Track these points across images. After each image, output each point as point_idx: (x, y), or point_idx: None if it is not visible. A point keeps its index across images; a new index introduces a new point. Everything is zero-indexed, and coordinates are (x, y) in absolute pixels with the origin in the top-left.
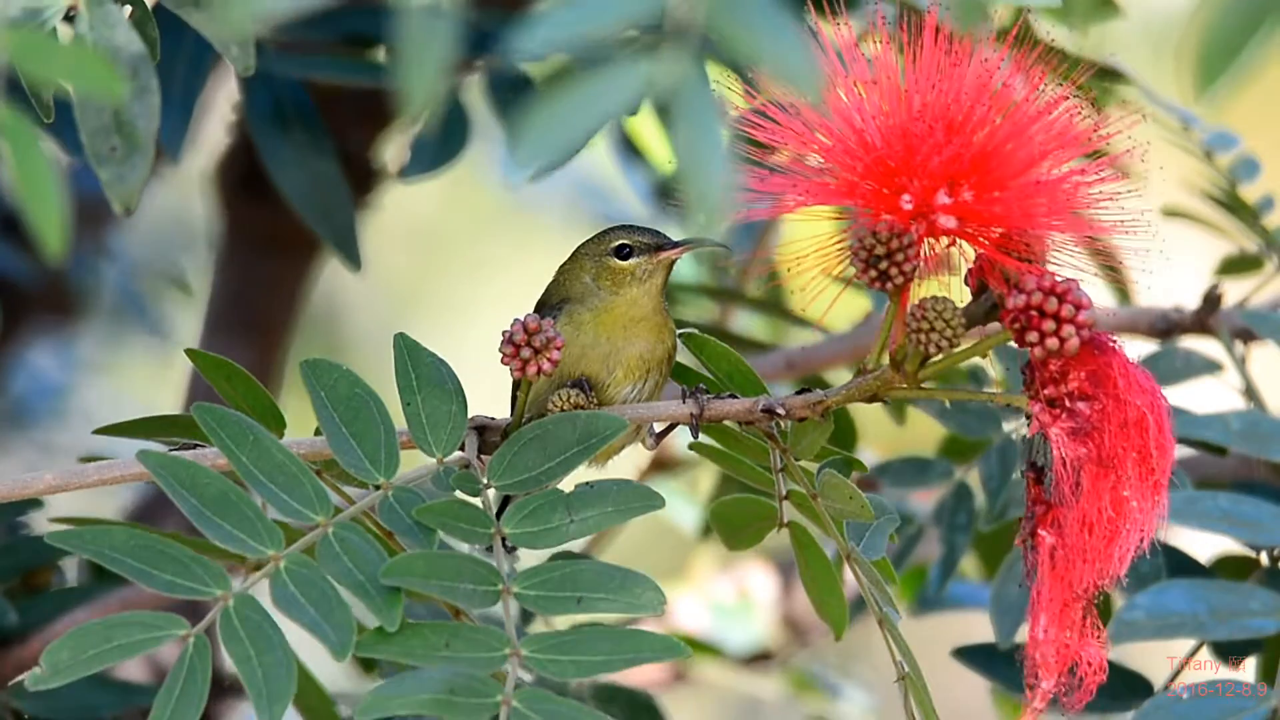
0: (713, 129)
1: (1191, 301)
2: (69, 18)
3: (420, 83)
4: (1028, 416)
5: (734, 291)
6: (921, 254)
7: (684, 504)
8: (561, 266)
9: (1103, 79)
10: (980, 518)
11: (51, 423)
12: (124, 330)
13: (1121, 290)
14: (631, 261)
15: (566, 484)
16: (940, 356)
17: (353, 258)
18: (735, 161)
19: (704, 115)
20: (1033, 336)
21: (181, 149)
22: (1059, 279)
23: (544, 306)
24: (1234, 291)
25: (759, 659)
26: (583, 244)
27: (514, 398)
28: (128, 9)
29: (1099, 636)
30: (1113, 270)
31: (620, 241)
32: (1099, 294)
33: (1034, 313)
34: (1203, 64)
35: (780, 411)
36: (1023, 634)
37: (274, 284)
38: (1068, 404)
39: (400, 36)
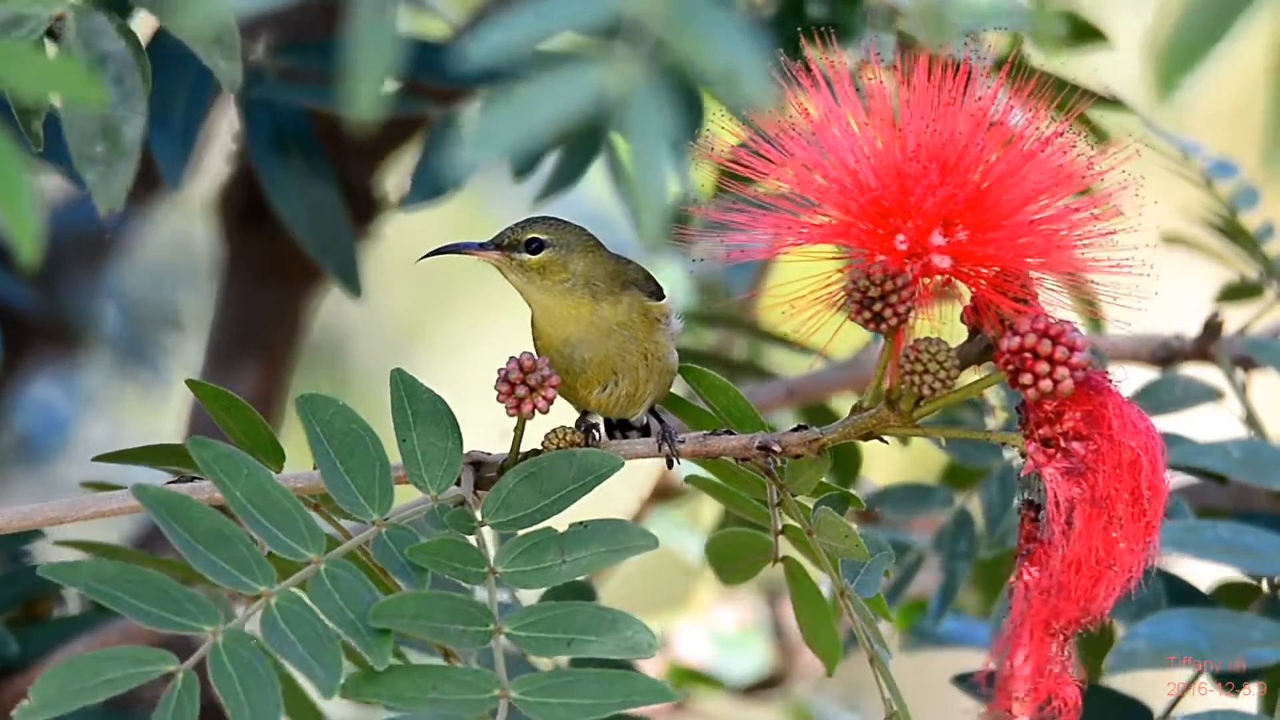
0: (658, 135)
1: (1192, 329)
2: (54, 31)
3: (367, 83)
4: (1023, 455)
5: (733, 319)
6: (916, 295)
7: (686, 534)
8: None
9: (1101, 107)
10: (981, 545)
11: (56, 456)
12: (127, 362)
13: (1096, 323)
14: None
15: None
16: (934, 397)
17: (353, 286)
18: (684, 168)
19: (652, 122)
20: (1026, 379)
21: (182, 178)
22: (1053, 320)
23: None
24: (1234, 319)
25: (762, 687)
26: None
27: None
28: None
29: (1076, 677)
30: (1093, 307)
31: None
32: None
33: (1028, 355)
34: (1165, 65)
35: (776, 449)
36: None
37: (276, 312)
38: (1062, 444)
39: (349, 39)
